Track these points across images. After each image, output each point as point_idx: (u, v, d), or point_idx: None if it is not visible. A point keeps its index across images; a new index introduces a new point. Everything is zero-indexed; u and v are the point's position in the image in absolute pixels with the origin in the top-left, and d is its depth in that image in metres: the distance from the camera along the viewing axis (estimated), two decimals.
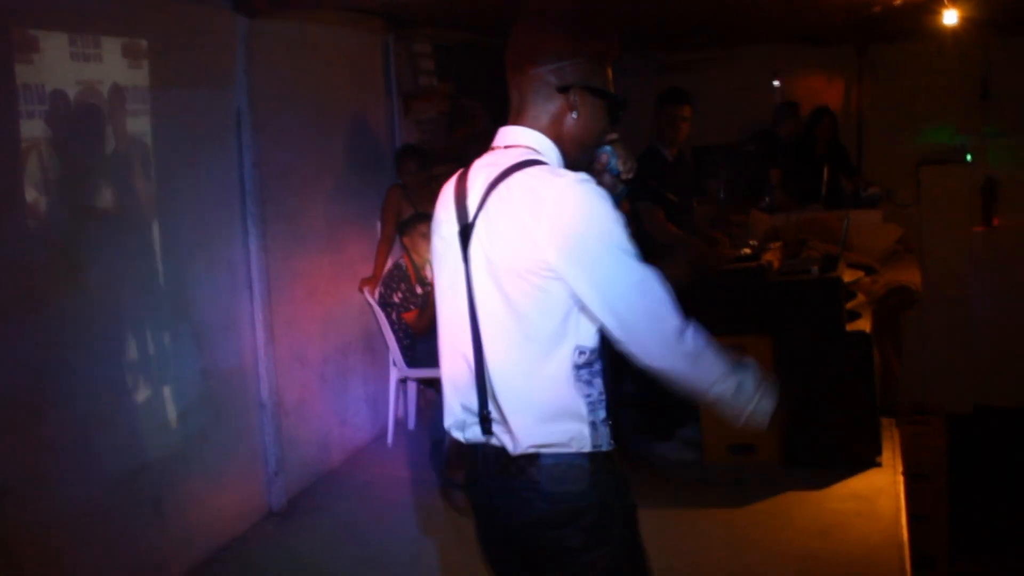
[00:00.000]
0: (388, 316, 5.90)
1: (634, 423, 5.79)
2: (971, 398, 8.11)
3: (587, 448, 2.11)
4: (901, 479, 4.89)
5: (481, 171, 2.16)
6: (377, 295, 5.97)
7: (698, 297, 5.26)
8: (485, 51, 8.17)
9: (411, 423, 6.32)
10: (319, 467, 5.56)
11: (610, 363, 2.16)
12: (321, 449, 5.61)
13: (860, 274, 5.90)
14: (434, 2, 5.27)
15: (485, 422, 2.15)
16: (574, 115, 2.18)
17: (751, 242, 5.77)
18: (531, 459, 2.12)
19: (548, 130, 2.19)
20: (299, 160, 5.43)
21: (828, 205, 7.17)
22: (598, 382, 2.13)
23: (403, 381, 6.18)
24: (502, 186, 2.08)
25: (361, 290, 6.00)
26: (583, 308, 2.06)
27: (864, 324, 5.31)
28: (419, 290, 5.92)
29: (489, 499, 2.22)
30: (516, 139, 2.19)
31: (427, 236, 5.76)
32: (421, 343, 5.88)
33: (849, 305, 5.40)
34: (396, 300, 5.90)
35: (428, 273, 5.84)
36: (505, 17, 7.02)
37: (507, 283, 2.06)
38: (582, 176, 2.05)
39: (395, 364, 6.00)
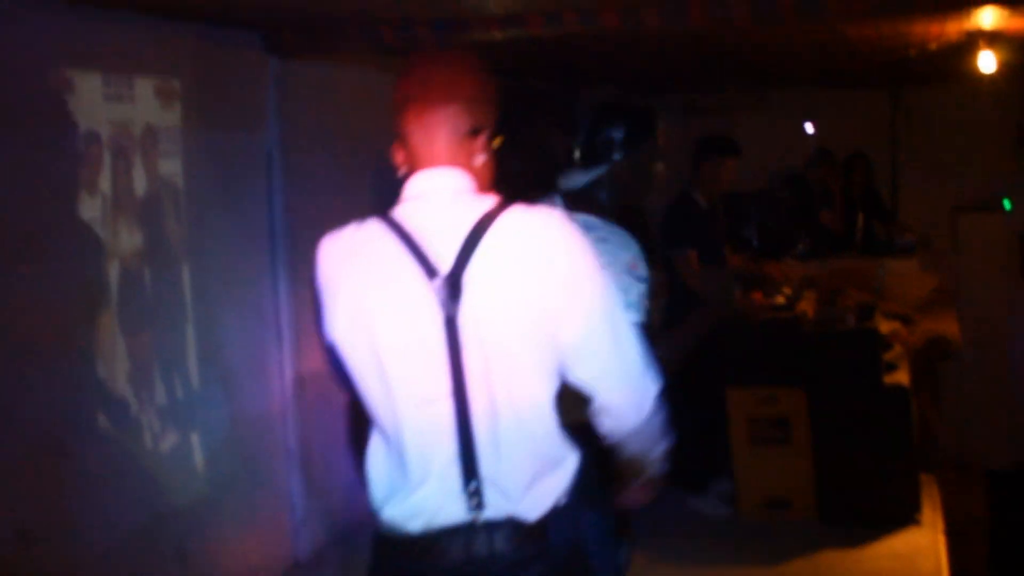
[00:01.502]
0: None
1: (666, 475, 5.68)
2: (1012, 454, 7.92)
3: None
4: (942, 537, 4.77)
5: (436, 217, 1.95)
6: None
7: (731, 347, 5.29)
8: (513, 92, 8.18)
9: None
10: (347, 517, 5.46)
11: None
12: (349, 499, 5.50)
13: (897, 324, 5.80)
14: (462, 45, 5.24)
15: (475, 495, 1.91)
16: (482, 157, 2.07)
17: (785, 291, 5.67)
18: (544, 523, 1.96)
19: (467, 171, 2.03)
20: (329, 202, 5.38)
21: (863, 253, 7.08)
22: None
23: None
24: (493, 230, 1.91)
25: None
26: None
27: (902, 376, 5.21)
28: None
29: None
30: (456, 183, 2.00)
31: None
32: None
33: (886, 356, 5.29)
34: None
35: None
36: (526, 59, 7.02)
37: (521, 322, 1.89)
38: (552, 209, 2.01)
39: None
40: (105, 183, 3.95)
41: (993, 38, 5.96)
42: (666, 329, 5.45)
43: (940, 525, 4.90)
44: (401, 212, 1.98)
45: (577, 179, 3.11)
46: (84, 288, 3.75)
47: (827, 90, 8.62)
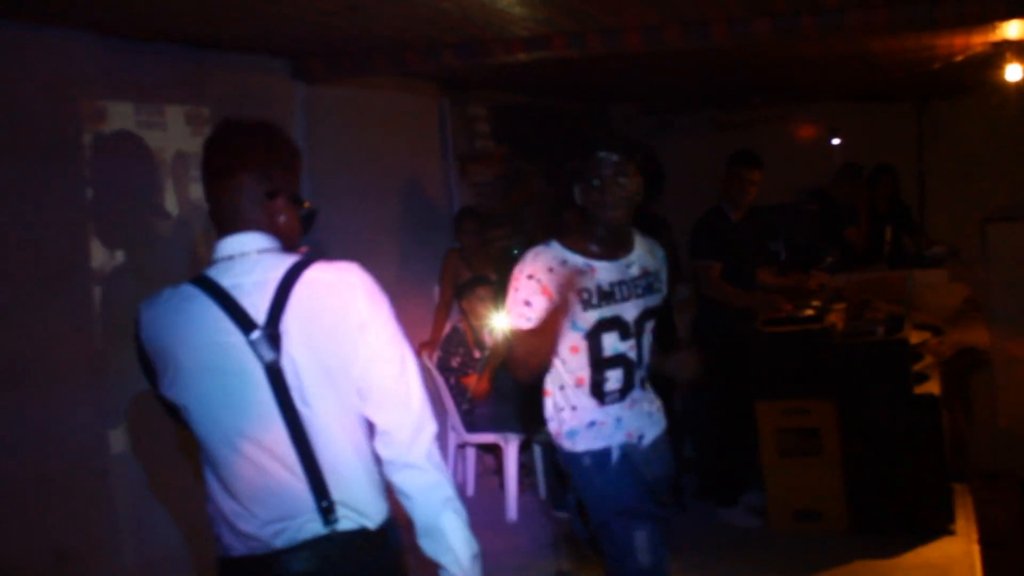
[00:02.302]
0: (446, 380, 5.87)
1: (696, 489, 5.69)
2: None
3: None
4: (976, 547, 4.74)
5: (245, 275, 2.13)
6: (435, 359, 5.94)
7: (760, 361, 5.30)
8: (538, 112, 8.24)
9: (470, 489, 6.24)
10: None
11: None
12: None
13: (927, 335, 5.78)
14: (488, 69, 5.31)
15: (329, 512, 2.13)
16: (283, 218, 2.22)
17: (814, 303, 5.67)
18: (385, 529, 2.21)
19: (272, 230, 2.21)
20: (357, 224, 5.45)
21: (891, 265, 7.06)
22: None
23: (461, 446, 6.12)
24: (300, 284, 2.11)
25: (419, 354, 5.98)
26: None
27: (932, 386, 5.19)
28: (477, 354, 5.89)
29: None
30: (260, 244, 2.17)
31: (485, 300, 5.82)
32: (480, 408, 5.82)
33: (916, 367, 5.28)
34: (455, 365, 5.87)
35: (487, 337, 5.80)
36: (556, 80, 7.08)
37: (332, 364, 2.12)
38: (344, 263, 2.19)
39: (453, 429, 5.95)
40: (138, 208, 4.04)
41: (1020, 49, 5.96)
42: (693, 343, 5.47)
43: (974, 535, 4.87)
44: (213, 273, 2.16)
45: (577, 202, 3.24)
46: (117, 312, 3.78)
47: (852, 103, 8.61)
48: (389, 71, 4.94)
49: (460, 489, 6.32)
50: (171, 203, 4.18)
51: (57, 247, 3.60)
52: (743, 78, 7.17)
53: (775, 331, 5.40)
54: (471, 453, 6.25)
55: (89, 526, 3.64)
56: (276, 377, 2.08)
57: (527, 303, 3.04)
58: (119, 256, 3.89)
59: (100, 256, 3.81)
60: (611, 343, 3.11)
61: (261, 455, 2.10)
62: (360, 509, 2.16)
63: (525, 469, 6.02)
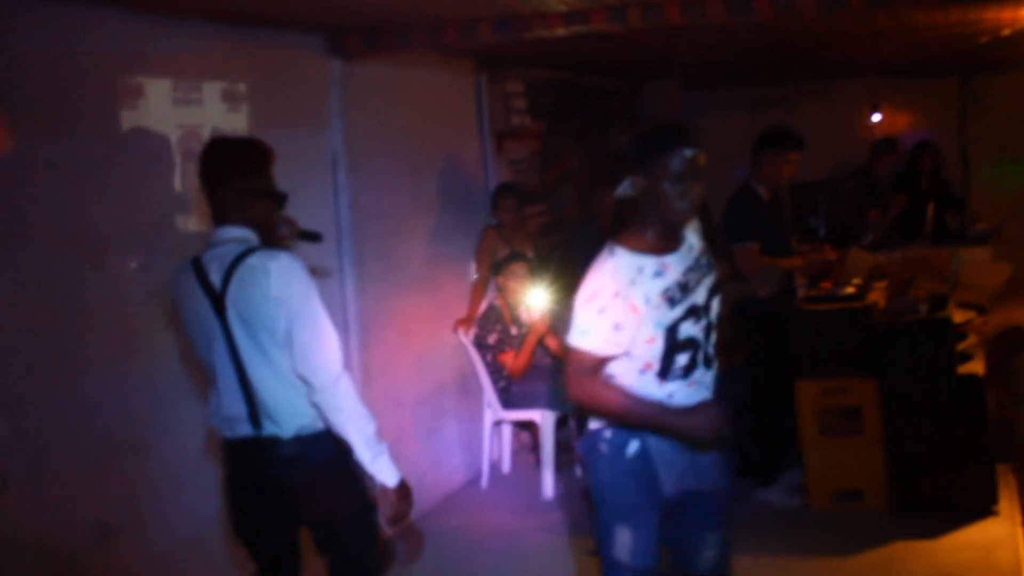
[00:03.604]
0: (483, 357, 5.86)
1: (735, 467, 5.64)
2: None
3: (320, 425, 3.11)
4: (1020, 529, 4.68)
5: (213, 261, 3.04)
6: (472, 336, 5.93)
7: (801, 339, 5.25)
8: (574, 89, 8.18)
9: (506, 466, 6.25)
10: (413, 509, 5.51)
11: None
12: (415, 491, 5.55)
13: (971, 314, 5.70)
14: (525, 44, 5.27)
15: (255, 419, 3.08)
16: (257, 210, 3.15)
17: (855, 281, 5.60)
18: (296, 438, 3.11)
19: (248, 223, 3.11)
20: (394, 201, 5.45)
21: (934, 242, 6.96)
22: None
23: (497, 423, 6.12)
24: (242, 266, 3.00)
25: (456, 331, 5.97)
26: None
27: (976, 366, 5.12)
28: (514, 331, 5.87)
29: (260, 470, 3.13)
30: (234, 234, 3.08)
31: (521, 276, 5.80)
32: (516, 385, 5.81)
33: (959, 346, 5.20)
34: (491, 342, 5.86)
35: (523, 314, 5.78)
36: (593, 56, 7.02)
37: (256, 323, 3.01)
38: (277, 252, 3.07)
39: (490, 406, 5.95)
40: (175, 185, 4.05)
41: None
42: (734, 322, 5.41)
43: (1018, 517, 4.81)
44: (204, 253, 3.07)
45: (619, 191, 3.10)
46: (155, 289, 3.79)
47: (893, 78, 8.48)
48: (426, 47, 4.92)
49: (496, 466, 6.37)
50: None
51: (95, 225, 3.61)
52: (783, 53, 7.07)
53: (815, 309, 5.35)
54: (507, 430, 6.25)
55: (128, 502, 3.68)
56: (224, 326, 3.03)
57: (617, 325, 2.86)
58: (157, 233, 3.90)
59: (138, 234, 3.82)
60: (686, 329, 2.96)
61: (222, 375, 3.08)
62: (277, 421, 3.06)
63: (562, 447, 6.01)
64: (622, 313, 2.87)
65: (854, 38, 6.47)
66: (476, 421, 6.13)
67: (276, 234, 3.28)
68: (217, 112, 4.23)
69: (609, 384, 2.94)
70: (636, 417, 2.93)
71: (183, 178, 4.06)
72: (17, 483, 3.29)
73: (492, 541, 5.19)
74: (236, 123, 4.32)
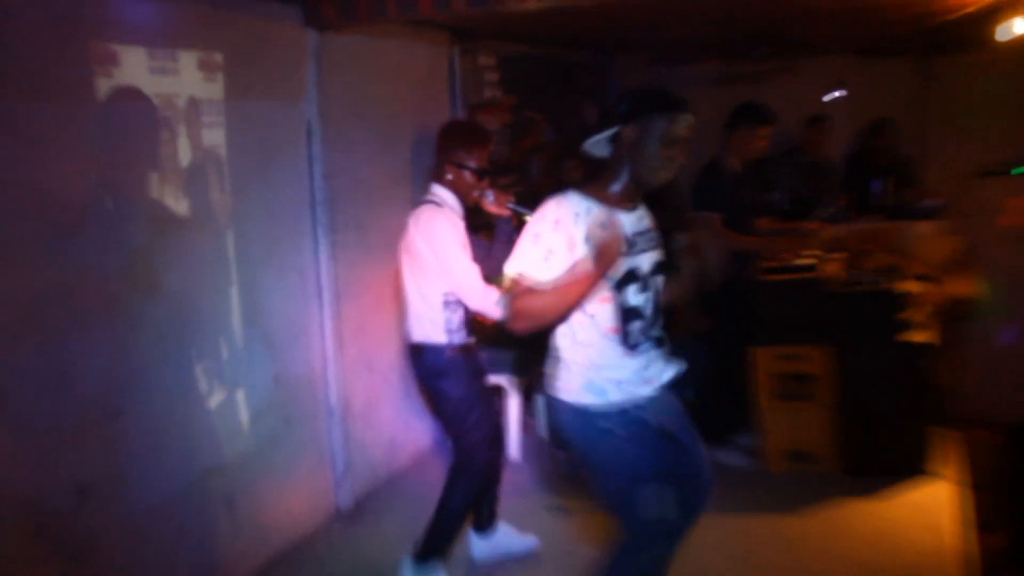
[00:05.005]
0: None
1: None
2: None
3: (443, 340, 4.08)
4: (959, 489, 4.90)
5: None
6: None
7: (759, 307, 5.43)
8: (547, 63, 8.30)
9: None
10: (385, 470, 5.68)
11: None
12: (387, 452, 5.73)
13: (922, 285, 5.89)
14: (498, 17, 5.37)
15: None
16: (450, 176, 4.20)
17: (813, 252, 5.79)
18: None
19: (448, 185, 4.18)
20: (367, 171, 5.55)
21: (890, 216, 7.15)
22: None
23: None
24: (414, 215, 4.05)
25: None
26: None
27: (924, 335, 5.32)
28: None
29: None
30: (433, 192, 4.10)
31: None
32: (485, 352, 5.95)
33: (906, 315, 5.40)
34: None
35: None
36: (566, 30, 7.07)
37: (417, 261, 4.07)
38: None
39: None
40: (151, 153, 4.08)
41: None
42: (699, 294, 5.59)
43: (958, 477, 5.03)
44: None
45: (591, 142, 3.20)
46: (131, 256, 3.89)
47: (855, 58, 8.63)
48: (401, 18, 4.97)
49: None
50: (184, 147, 4.24)
51: (70, 191, 3.60)
52: (751, 29, 7.21)
53: (773, 279, 5.53)
54: None
55: (108, 463, 3.73)
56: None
57: (549, 252, 2.95)
58: (132, 201, 3.94)
59: (113, 201, 3.84)
60: (632, 296, 3.04)
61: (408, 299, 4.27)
62: (412, 331, 4.25)
63: (526, 410, 6.17)
64: (557, 243, 2.94)
65: (820, 15, 6.60)
66: None
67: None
68: (193, 81, 4.26)
69: (533, 291, 2.95)
70: (567, 296, 2.90)
71: (159, 145, 4.11)
72: None
73: None
74: (212, 92, 4.35)
